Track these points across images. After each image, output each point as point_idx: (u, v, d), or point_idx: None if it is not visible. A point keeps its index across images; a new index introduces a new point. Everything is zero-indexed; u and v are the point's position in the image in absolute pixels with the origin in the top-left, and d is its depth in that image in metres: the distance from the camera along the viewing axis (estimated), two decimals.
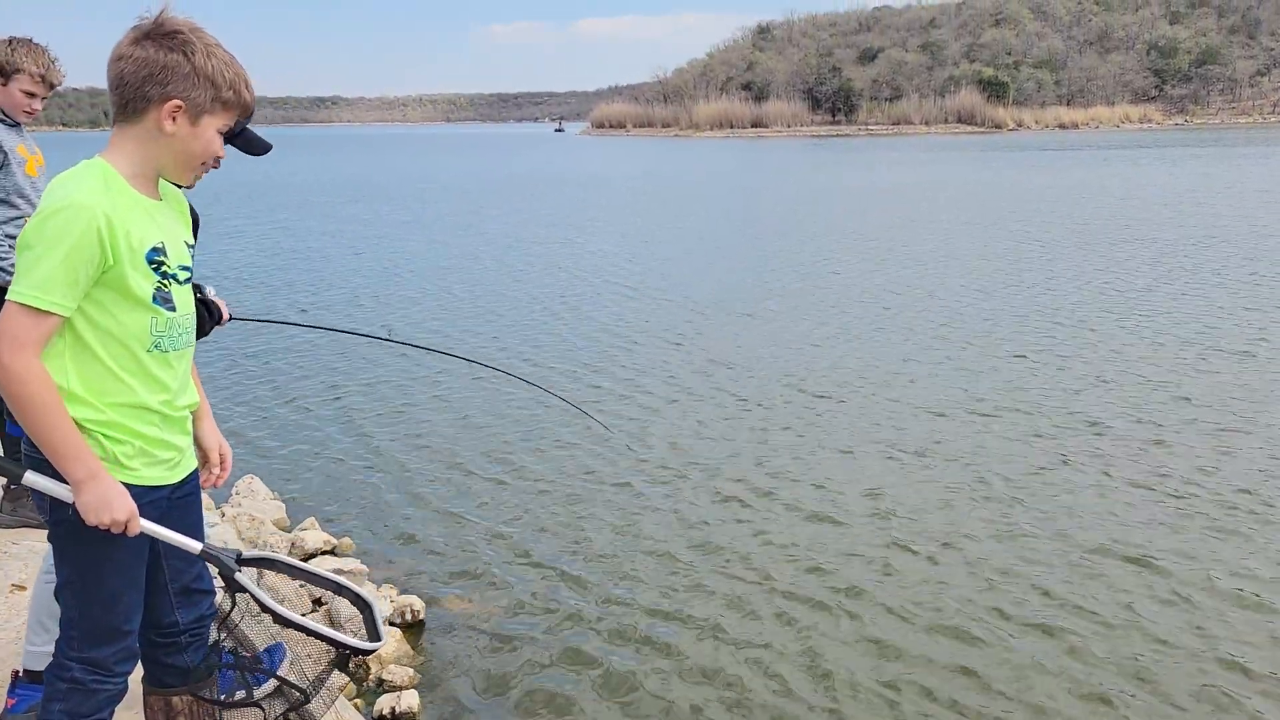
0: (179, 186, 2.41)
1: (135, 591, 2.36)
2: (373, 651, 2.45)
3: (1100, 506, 6.11)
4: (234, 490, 6.23)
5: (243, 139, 2.40)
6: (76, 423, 2.18)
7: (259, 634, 2.61)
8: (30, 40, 4.33)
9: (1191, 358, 9.54)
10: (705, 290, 13.80)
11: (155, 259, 2.23)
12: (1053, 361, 9.54)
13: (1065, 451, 7.06)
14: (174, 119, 2.21)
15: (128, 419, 2.26)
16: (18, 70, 4.24)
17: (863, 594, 5.09)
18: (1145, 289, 13.21)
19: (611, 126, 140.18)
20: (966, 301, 12.66)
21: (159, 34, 2.19)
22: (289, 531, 5.80)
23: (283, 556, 2.56)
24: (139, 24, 2.21)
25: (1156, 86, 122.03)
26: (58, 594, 2.35)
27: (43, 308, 2.09)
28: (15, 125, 4.40)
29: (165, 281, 2.26)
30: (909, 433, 7.53)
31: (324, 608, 4.74)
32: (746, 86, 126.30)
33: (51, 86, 4.34)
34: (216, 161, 2.33)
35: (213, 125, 2.26)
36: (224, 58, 2.24)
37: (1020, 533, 5.76)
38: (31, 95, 4.32)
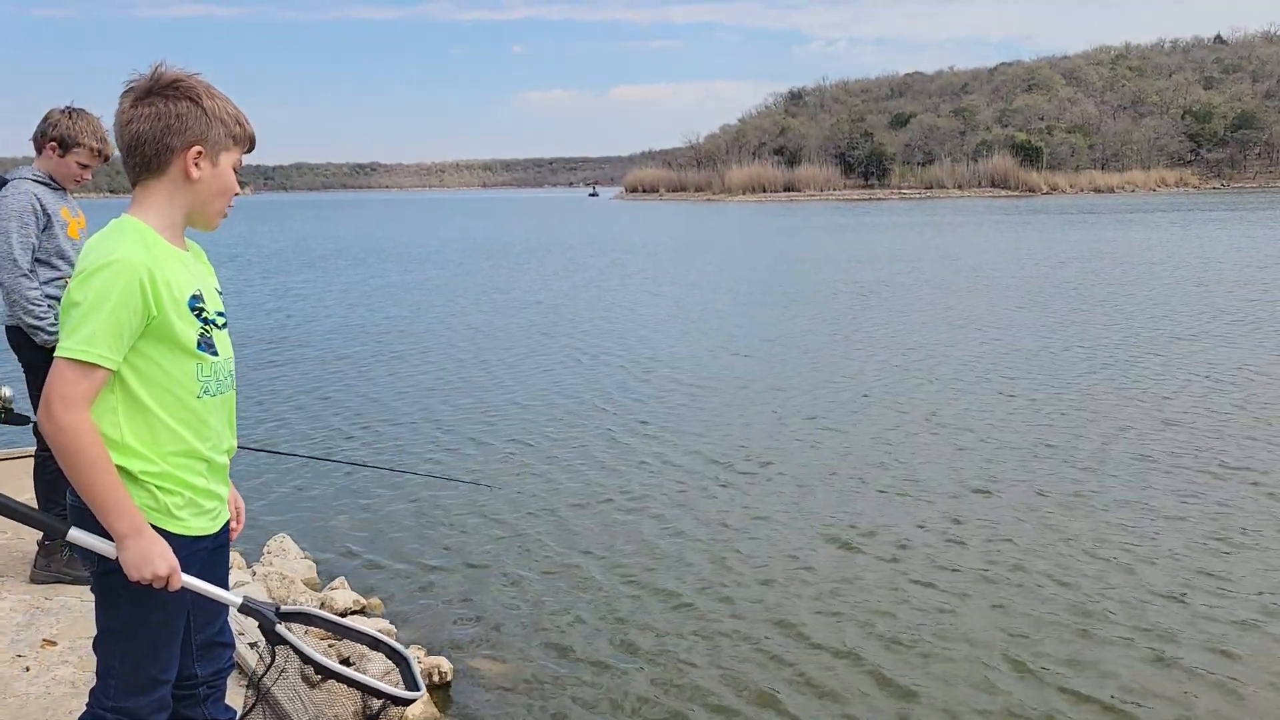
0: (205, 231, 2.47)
1: (175, 642, 2.39)
2: (413, 700, 2.45)
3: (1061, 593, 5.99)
4: (265, 549, 6.26)
5: None
6: (130, 474, 2.23)
7: (286, 693, 2.60)
8: (86, 111, 4.46)
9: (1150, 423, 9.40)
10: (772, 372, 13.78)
11: (196, 305, 2.30)
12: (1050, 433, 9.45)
13: (1032, 540, 6.94)
14: (197, 164, 2.29)
15: (179, 469, 2.30)
16: (77, 144, 4.37)
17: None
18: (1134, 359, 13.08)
19: (645, 191, 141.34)
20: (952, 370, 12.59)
21: (160, 87, 2.26)
22: (319, 590, 5.81)
23: (320, 611, 2.56)
24: (131, 86, 2.28)
25: (1192, 151, 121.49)
26: (97, 643, 2.37)
27: (89, 360, 2.14)
28: (60, 190, 4.52)
29: (207, 327, 2.32)
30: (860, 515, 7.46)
31: (351, 668, 4.73)
32: (779, 151, 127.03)
33: (105, 159, 4.46)
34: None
35: (229, 162, 2.35)
36: (222, 96, 2.33)
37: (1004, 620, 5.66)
38: (85, 166, 4.45)
